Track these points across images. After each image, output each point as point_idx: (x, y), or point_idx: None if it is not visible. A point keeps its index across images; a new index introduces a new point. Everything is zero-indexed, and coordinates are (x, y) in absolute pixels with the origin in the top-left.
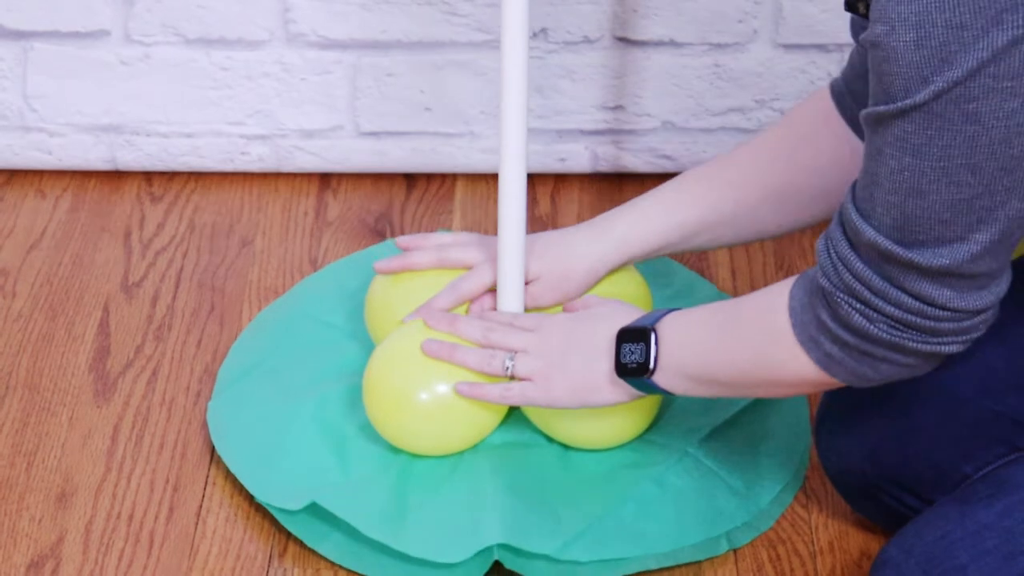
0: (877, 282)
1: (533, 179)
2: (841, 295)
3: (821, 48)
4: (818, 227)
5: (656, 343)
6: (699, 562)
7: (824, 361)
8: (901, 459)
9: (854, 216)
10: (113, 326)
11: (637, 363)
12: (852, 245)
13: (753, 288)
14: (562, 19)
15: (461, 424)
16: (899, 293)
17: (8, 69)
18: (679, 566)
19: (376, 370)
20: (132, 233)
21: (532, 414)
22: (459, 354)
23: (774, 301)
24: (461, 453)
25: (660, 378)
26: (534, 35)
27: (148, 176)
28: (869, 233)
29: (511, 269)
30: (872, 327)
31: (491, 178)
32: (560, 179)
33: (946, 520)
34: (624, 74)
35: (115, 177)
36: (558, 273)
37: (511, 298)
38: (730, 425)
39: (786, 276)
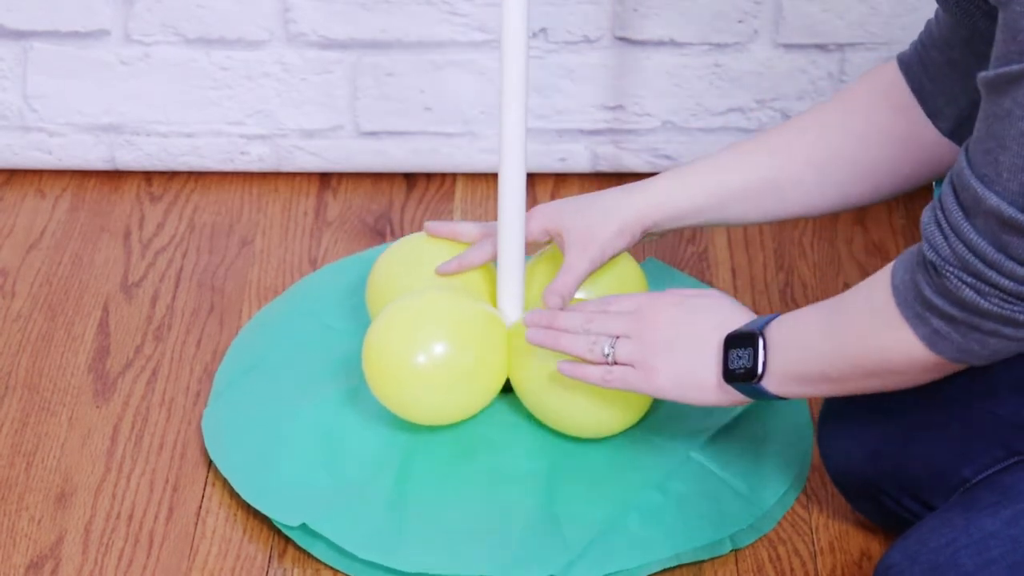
0: (991, 253)
1: (533, 179)
2: (950, 268)
3: (821, 48)
4: (821, 228)
5: (764, 348)
6: (700, 562)
7: (931, 338)
8: (901, 461)
9: (974, 182)
10: (113, 326)
11: (745, 368)
12: (967, 213)
13: (753, 288)
14: (562, 19)
15: (460, 389)
16: (1014, 265)
17: (8, 69)
18: (680, 566)
19: (375, 336)
20: (132, 233)
21: (529, 401)
22: (564, 341)
23: (876, 283)
24: (458, 460)
25: (769, 383)
26: (534, 35)
27: (148, 176)
28: (992, 200)
29: (511, 269)
30: (983, 301)
31: (491, 178)
32: (560, 179)
33: (951, 527)
34: (624, 74)
35: (115, 177)
36: (583, 231)
37: (511, 298)
38: (731, 428)
39: (786, 276)
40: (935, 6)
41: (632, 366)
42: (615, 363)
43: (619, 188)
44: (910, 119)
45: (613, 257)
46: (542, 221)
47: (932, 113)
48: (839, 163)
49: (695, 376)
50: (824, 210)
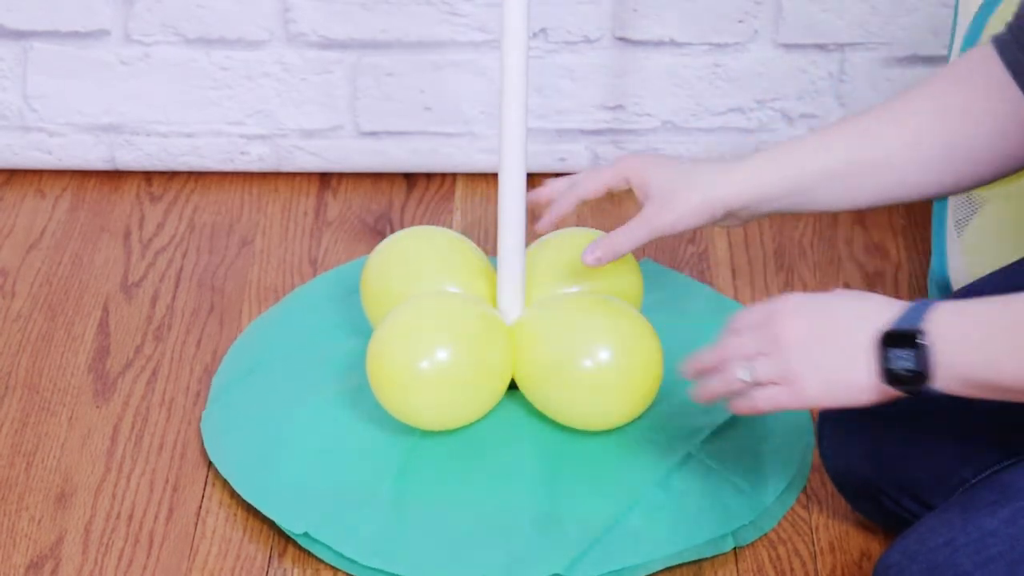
0: None
1: (533, 179)
2: None
3: (821, 48)
4: (821, 228)
5: (930, 347)
6: (699, 562)
7: None
8: (901, 461)
9: None
10: (113, 326)
11: (910, 371)
12: None
13: (753, 288)
14: (562, 19)
15: (464, 394)
16: None
17: (8, 69)
18: (680, 566)
19: (378, 343)
20: (132, 233)
21: (534, 397)
22: (708, 387)
23: None
24: (458, 460)
25: (939, 384)
26: (534, 35)
27: (148, 176)
28: None
29: (511, 269)
30: None
31: (491, 178)
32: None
33: (950, 526)
34: (624, 74)
35: (115, 177)
36: (668, 192)
37: (511, 297)
38: (732, 425)
39: (786, 276)
40: (934, 6)
41: (777, 383)
42: (758, 385)
43: (711, 162)
44: (1006, 98)
45: (683, 231)
46: (626, 169)
47: None
48: (936, 144)
49: (848, 380)
50: (920, 194)
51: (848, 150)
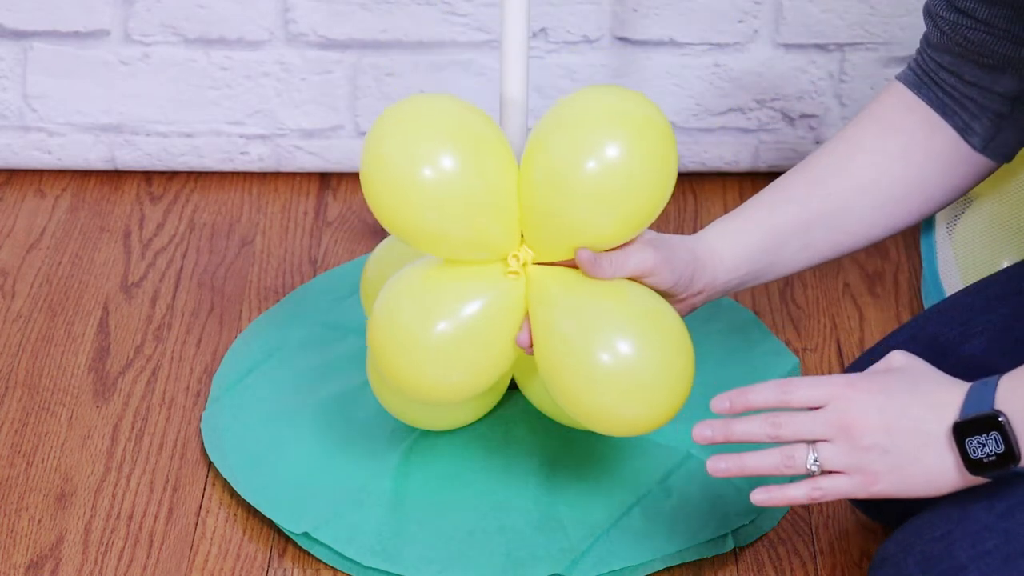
0: None
1: None
2: None
3: (821, 48)
4: None
5: (1012, 427)
6: (699, 562)
7: None
8: None
9: None
10: (113, 326)
11: (996, 455)
12: None
13: (753, 289)
14: (562, 19)
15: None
16: None
17: (8, 69)
18: (680, 565)
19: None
20: (132, 233)
21: (534, 398)
22: (751, 461)
23: None
24: (458, 460)
25: None
26: (534, 35)
27: (148, 176)
28: None
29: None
30: None
31: None
32: None
33: (946, 519)
34: (624, 74)
35: (115, 177)
36: (681, 264)
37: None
38: None
39: (786, 277)
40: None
41: (844, 473)
42: (821, 472)
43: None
44: (942, 136)
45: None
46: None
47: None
48: (888, 184)
49: (927, 476)
50: (877, 236)
51: (805, 202)
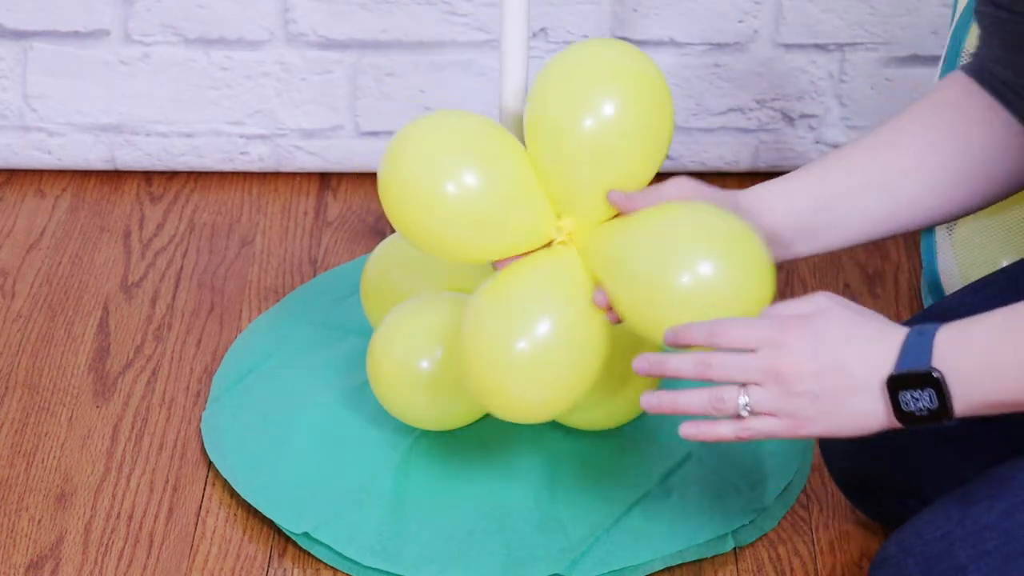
0: None
1: None
2: None
3: (821, 48)
4: None
5: (947, 385)
6: (699, 562)
7: None
8: (903, 460)
9: None
10: (113, 326)
11: (928, 410)
12: None
13: None
14: (562, 19)
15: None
16: None
17: (8, 69)
18: (680, 565)
19: (379, 342)
20: (132, 233)
21: None
22: (681, 400)
23: None
24: (458, 461)
25: (957, 415)
26: (534, 35)
27: (148, 176)
28: None
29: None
30: None
31: None
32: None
33: (947, 519)
34: None
35: (115, 177)
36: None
37: None
38: None
39: (786, 276)
40: (934, 6)
41: (775, 416)
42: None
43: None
44: (997, 119)
45: None
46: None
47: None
48: (941, 163)
49: (855, 420)
50: (939, 212)
51: (856, 169)
